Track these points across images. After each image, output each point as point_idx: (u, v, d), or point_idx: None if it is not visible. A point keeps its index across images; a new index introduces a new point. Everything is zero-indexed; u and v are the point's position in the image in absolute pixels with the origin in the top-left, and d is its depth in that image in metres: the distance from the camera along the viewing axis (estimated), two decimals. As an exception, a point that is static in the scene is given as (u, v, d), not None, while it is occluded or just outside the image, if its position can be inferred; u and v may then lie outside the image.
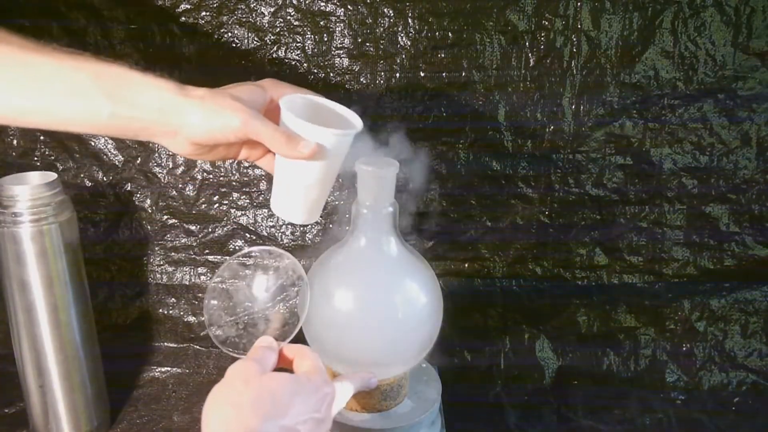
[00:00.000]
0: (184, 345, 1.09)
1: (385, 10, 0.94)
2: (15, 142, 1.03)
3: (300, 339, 0.60)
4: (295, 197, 0.54)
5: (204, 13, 0.96)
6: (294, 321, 0.56)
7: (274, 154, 0.56)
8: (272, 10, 0.96)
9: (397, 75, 0.97)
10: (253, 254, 0.58)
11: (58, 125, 0.51)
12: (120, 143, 1.03)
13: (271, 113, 0.54)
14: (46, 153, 1.03)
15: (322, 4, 0.95)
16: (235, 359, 0.51)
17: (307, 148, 0.50)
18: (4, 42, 0.48)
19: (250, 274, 0.58)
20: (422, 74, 0.96)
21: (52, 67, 0.48)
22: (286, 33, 0.97)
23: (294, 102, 0.53)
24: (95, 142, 1.03)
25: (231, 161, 1.03)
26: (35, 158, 1.04)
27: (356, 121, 0.54)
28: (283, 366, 0.54)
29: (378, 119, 0.99)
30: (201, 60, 0.98)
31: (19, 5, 0.97)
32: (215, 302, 0.58)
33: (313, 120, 0.51)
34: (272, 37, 0.97)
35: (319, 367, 0.52)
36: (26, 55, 0.48)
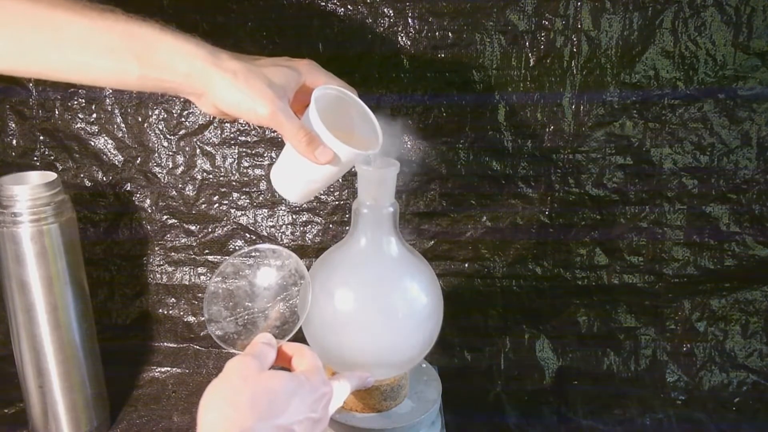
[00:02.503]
0: (184, 345, 1.09)
1: (385, 10, 0.94)
2: (15, 142, 1.03)
3: (300, 339, 0.60)
4: (295, 182, 0.55)
5: (204, 13, 0.96)
6: (294, 320, 0.56)
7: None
8: (272, 10, 0.96)
9: (397, 75, 0.97)
10: (256, 252, 0.58)
11: (88, 82, 0.52)
12: (120, 143, 1.03)
13: (302, 95, 0.54)
14: (46, 153, 1.03)
15: (322, 4, 0.95)
16: (231, 354, 0.51)
17: (323, 156, 0.51)
18: (33, 2, 0.48)
19: (252, 272, 0.58)
20: (422, 74, 0.96)
21: (83, 26, 0.48)
22: (286, 33, 0.97)
23: (326, 96, 0.53)
24: (95, 142, 1.03)
25: (231, 161, 1.03)
26: (35, 158, 1.04)
27: (377, 137, 0.54)
28: (282, 364, 0.54)
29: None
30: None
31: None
32: (216, 299, 0.58)
33: (340, 117, 0.51)
34: (272, 37, 0.97)
35: (318, 367, 0.52)
36: (55, 14, 0.48)
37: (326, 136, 0.50)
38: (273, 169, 0.57)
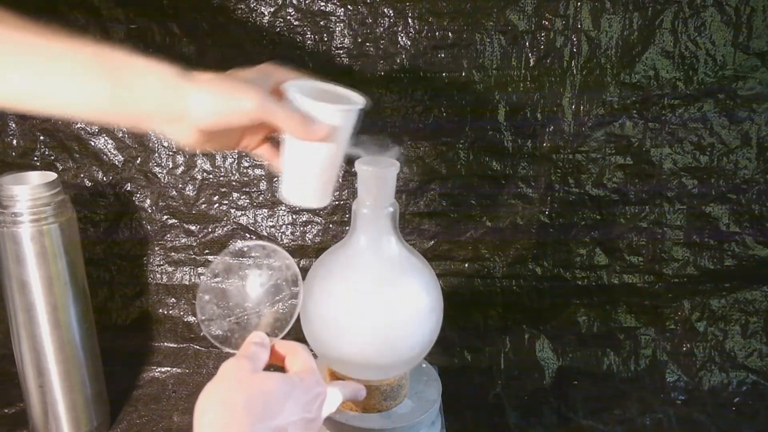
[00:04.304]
0: (184, 345, 1.10)
1: (385, 10, 0.94)
2: (15, 142, 1.03)
3: (300, 339, 0.60)
4: (309, 181, 0.54)
5: (204, 13, 0.96)
6: (287, 317, 0.56)
7: (271, 142, 0.56)
8: (272, 10, 0.96)
9: (398, 75, 0.97)
10: (246, 249, 0.58)
11: (58, 109, 0.49)
12: (120, 143, 1.03)
13: (274, 95, 0.53)
14: (46, 153, 1.03)
15: (322, 4, 0.95)
16: (228, 355, 0.51)
17: (321, 129, 0.50)
18: (2, 22, 0.47)
19: (243, 270, 0.58)
20: (422, 74, 0.96)
21: (53, 48, 0.47)
22: (286, 33, 0.97)
23: (299, 86, 0.52)
24: (95, 142, 1.03)
25: (231, 161, 1.03)
26: (35, 158, 1.04)
27: (358, 98, 0.54)
28: (275, 362, 0.54)
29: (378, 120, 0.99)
30: (201, 60, 0.98)
31: (18, 5, 0.97)
32: (207, 297, 0.57)
33: (316, 92, 0.51)
34: (272, 37, 0.97)
35: (312, 366, 0.52)
36: (25, 36, 0.47)
37: (315, 107, 0.50)
38: (283, 188, 0.56)
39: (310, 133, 0.50)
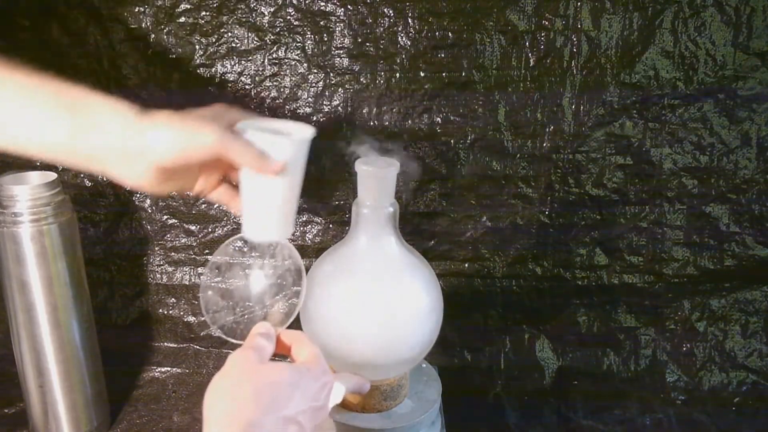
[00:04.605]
0: (184, 345, 1.10)
1: (385, 10, 0.94)
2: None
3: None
4: (270, 214, 0.54)
5: (204, 13, 0.96)
6: (292, 307, 0.56)
7: (228, 184, 0.56)
8: (272, 10, 0.96)
9: (397, 75, 0.97)
10: (247, 239, 0.58)
11: (13, 142, 0.48)
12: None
13: None
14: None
15: (322, 4, 0.95)
16: (233, 348, 0.51)
17: (278, 163, 0.50)
18: None
19: (247, 261, 0.58)
20: (422, 74, 0.96)
21: (13, 81, 0.47)
22: (286, 33, 0.97)
23: (251, 125, 0.53)
24: (95, 142, 1.03)
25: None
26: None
27: (308, 129, 0.55)
28: (281, 353, 0.54)
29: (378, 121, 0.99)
30: (199, 63, 0.98)
31: (19, 4, 0.97)
32: (211, 289, 0.57)
33: (268, 127, 0.52)
34: (272, 37, 0.97)
35: (318, 355, 0.52)
36: None
37: (269, 140, 0.50)
38: (245, 226, 0.56)
39: (268, 167, 0.50)
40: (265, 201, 0.53)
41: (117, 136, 0.48)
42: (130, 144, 0.48)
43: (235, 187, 0.55)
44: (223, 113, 0.53)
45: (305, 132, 0.54)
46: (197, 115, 0.51)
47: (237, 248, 0.59)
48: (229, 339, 0.54)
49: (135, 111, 0.49)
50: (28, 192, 0.76)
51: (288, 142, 0.51)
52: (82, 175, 1.04)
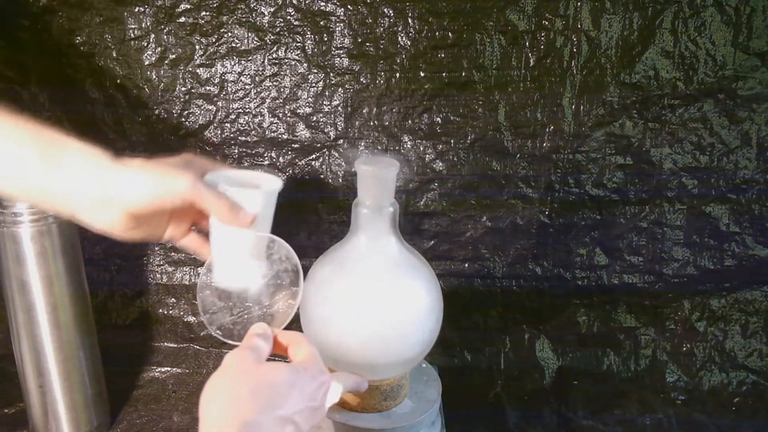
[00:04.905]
0: (184, 345, 1.09)
1: (385, 10, 0.94)
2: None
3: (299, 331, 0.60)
4: (240, 262, 0.55)
5: (204, 13, 0.97)
6: (288, 308, 0.56)
7: (197, 231, 0.56)
8: (272, 10, 0.96)
9: (397, 75, 0.97)
10: None
11: None
12: (120, 143, 1.03)
13: None
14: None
15: (322, 4, 0.95)
16: (232, 347, 0.51)
17: (248, 215, 0.51)
18: None
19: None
20: (422, 74, 0.96)
21: None
22: (286, 33, 0.97)
23: (220, 176, 0.54)
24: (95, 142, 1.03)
25: (230, 162, 1.03)
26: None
27: (275, 179, 0.56)
28: (278, 353, 0.54)
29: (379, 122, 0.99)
30: (199, 63, 0.98)
31: (20, 4, 0.97)
32: (209, 289, 0.57)
33: (236, 179, 0.53)
34: (272, 37, 0.97)
35: (315, 355, 0.52)
36: None
37: (239, 193, 0.52)
38: (216, 275, 0.57)
39: (239, 219, 0.51)
40: (235, 249, 0.54)
41: (90, 181, 0.48)
42: (103, 189, 0.48)
43: (204, 234, 0.56)
44: (193, 162, 0.53)
45: (273, 183, 0.55)
46: (169, 162, 0.51)
47: None
48: (227, 340, 0.54)
49: (108, 156, 0.49)
50: (28, 192, 0.76)
51: (258, 194, 0.52)
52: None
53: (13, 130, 0.48)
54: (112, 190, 0.48)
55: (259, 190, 0.52)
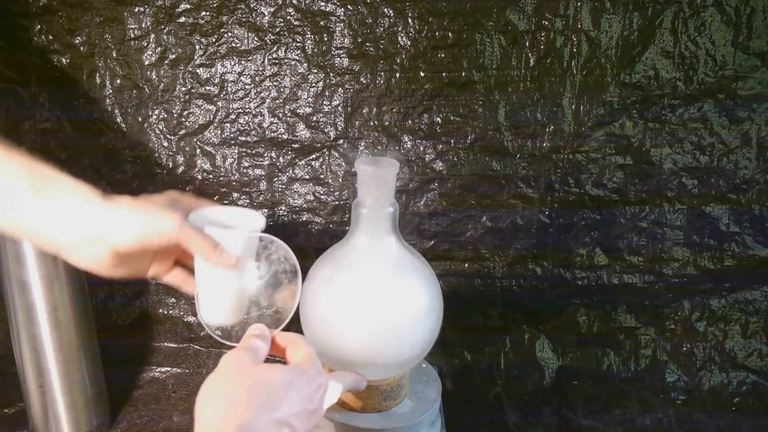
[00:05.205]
0: (184, 345, 1.09)
1: (385, 10, 0.94)
2: (15, 142, 1.03)
3: (297, 332, 0.60)
4: (225, 300, 0.55)
5: (204, 13, 0.97)
6: (287, 308, 0.56)
7: (181, 267, 0.57)
8: (272, 10, 0.96)
9: (397, 75, 0.97)
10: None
11: None
12: (120, 143, 1.03)
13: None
14: (47, 153, 1.03)
15: (322, 4, 0.95)
16: (228, 347, 0.51)
17: (231, 256, 0.52)
18: None
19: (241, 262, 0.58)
20: (422, 74, 0.96)
21: None
22: (286, 33, 0.97)
23: (204, 216, 0.55)
24: (95, 142, 1.03)
25: (231, 161, 1.03)
26: (35, 158, 1.03)
27: (259, 216, 0.56)
28: (276, 354, 0.54)
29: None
30: (199, 63, 0.98)
31: (20, 4, 0.97)
32: None
33: (219, 219, 0.54)
34: (272, 37, 0.97)
35: (312, 356, 0.52)
36: None
37: (223, 234, 0.52)
38: (201, 313, 0.57)
39: (223, 260, 0.52)
40: (220, 288, 0.55)
41: (80, 218, 0.48)
42: (92, 227, 0.48)
43: (188, 269, 0.57)
44: (179, 200, 0.54)
45: (257, 222, 0.55)
46: (155, 201, 0.52)
47: None
48: (225, 341, 0.54)
49: (99, 194, 0.49)
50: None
51: (242, 235, 0.53)
52: (82, 175, 1.04)
53: (8, 162, 0.48)
54: (100, 229, 0.49)
55: (242, 230, 0.53)
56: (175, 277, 0.58)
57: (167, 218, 0.49)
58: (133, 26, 0.97)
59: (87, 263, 0.50)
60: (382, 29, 0.95)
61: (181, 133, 1.02)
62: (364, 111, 0.99)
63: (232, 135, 1.02)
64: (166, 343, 1.10)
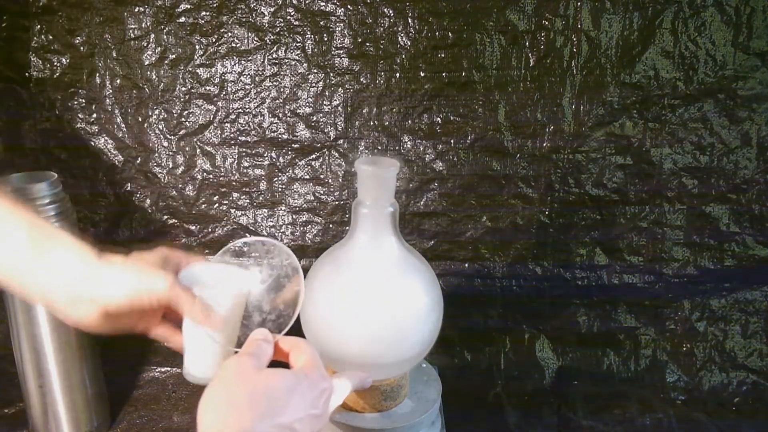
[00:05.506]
0: (184, 345, 1.09)
1: (385, 10, 0.94)
2: (16, 142, 1.03)
3: (299, 335, 0.60)
4: (212, 356, 0.56)
5: (204, 13, 0.97)
6: (289, 313, 0.56)
7: (168, 321, 0.57)
8: (272, 10, 0.96)
9: (397, 75, 0.97)
10: (246, 245, 0.58)
11: None
12: (120, 143, 1.03)
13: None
14: (47, 153, 1.03)
15: (322, 4, 0.95)
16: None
17: (219, 317, 0.52)
18: None
19: (244, 266, 0.58)
20: (422, 74, 0.96)
21: None
22: (286, 33, 0.97)
23: (193, 273, 0.55)
24: (95, 142, 1.03)
25: (231, 161, 1.03)
26: (36, 158, 1.04)
27: (248, 274, 0.57)
28: (279, 359, 0.53)
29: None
30: (199, 63, 0.98)
31: (20, 4, 0.97)
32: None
33: (208, 279, 0.54)
34: (272, 37, 0.97)
35: (316, 361, 0.52)
36: None
37: (211, 296, 0.53)
38: (187, 369, 0.57)
39: (210, 321, 0.52)
40: (207, 345, 0.55)
41: (75, 277, 0.49)
42: (85, 287, 0.49)
43: (175, 323, 0.57)
44: (169, 258, 0.55)
45: (245, 282, 0.56)
46: (147, 260, 0.53)
47: (233, 254, 0.59)
48: (228, 347, 0.54)
49: (95, 253, 0.50)
50: (28, 192, 0.76)
51: (229, 297, 0.54)
52: (82, 175, 1.04)
53: (10, 215, 0.50)
54: (93, 288, 0.49)
55: (230, 292, 0.54)
56: (162, 331, 0.59)
57: (158, 279, 0.50)
58: (133, 26, 0.98)
59: (76, 319, 0.51)
60: (382, 29, 0.95)
61: (181, 133, 1.02)
62: (364, 111, 0.99)
63: (232, 135, 1.02)
64: (166, 343, 1.10)
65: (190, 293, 0.52)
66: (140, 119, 1.02)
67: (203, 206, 1.05)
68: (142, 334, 0.58)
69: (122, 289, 0.49)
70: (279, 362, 0.52)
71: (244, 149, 1.02)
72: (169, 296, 0.50)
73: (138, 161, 1.03)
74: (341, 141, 1.01)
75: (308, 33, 0.96)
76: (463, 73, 0.96)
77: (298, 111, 1.00)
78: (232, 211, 1.05)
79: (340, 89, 0.98)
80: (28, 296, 0.51)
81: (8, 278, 0.50)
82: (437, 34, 0.94)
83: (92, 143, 1.03)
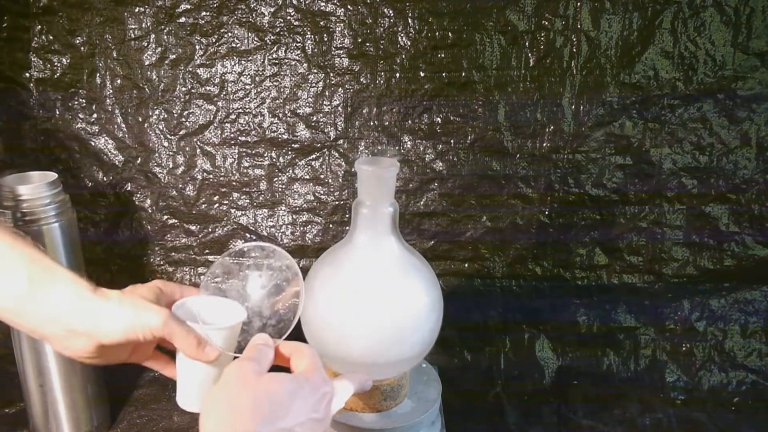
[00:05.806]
0: (184, 345, 1.09)
1: (385, 10, 0.94)
2: (15, 142, 1.03)
3: (300, 339, 0.60)
4: (205, 388, 0.56)
5: (204, 13, 0.97)
6: (290, 317, 0.56)
7: (161, 352, 0.58)
8: (272, 10, 0.96)
9: (397, 75, 0.97)
10: (245, 250, 0.58)
11: None
12: (120, 143, 1.03)
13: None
14: (47, 153, 1.03)
15: (322, 4, 0.95)
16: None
17: (213, 351, 0.53)
18: None
19: (244, 271, 0.58)
20: (422, 74, 0.96)
21: None
22: (286, 33, 0.97)
23: (186, 308, 0.56)
24: (95, 142, 1.03)
25: (231, 161, 1.03)
26: (35, 158, 1.04)
27: (239, 307, 0.57)
28: (280, 364, 0.53)
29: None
30: (199, 63, 0.98)
31: (20, 4, 0.97)
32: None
33: (202, 313, 0.55)
34: (272, 37, 0.97)
35: (317, 365, 0.52)
36: None
37: (204, 331, 0.53)
38: (180, 398, 0.58)
39: (203, 356, 0.53)
40: (200, 377, 0.56)
41: (71, 312, 0.50)
42: (81, 322, 0.50)
43: (169, 353, 0.58)
44: (163, 291, 0.56)
45: (237, 316, 0.56)
46: (141, 294, 0.53)
47: (233, 259, 0.59)
48: (228, 352, 0.54)
49: (91, 288, 0.51)
50: (28, 192, 0.76)
51: (223, 331, 0.54)
52: (82, 175, 1.04)
53: (10, 249, 0.50)
54: (89, 323, 0.50)
55: (224, 326, 0.54)
56: (156, 361, 0.61)
57: (153, 314, 0.51)
58: (133, 26, 0.98)
59: (71, 352, 0.51)
60: (382, 29, 0.95)
61: (181, 133, 1.02)
62: (364, 111, 0.99)
63: (232, 135, 1.02)
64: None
65: (185, 327, 0.52)
66: (140, 119, 1.02)
67: (203, 206, 1.05)
68: (135, 364, 0.59)
69: (118, 323, 0.50)
70: (280, 367, 0.52)
71: (244, 149, 1.02)
72: (163, 331, 0.51)
73: (138, 161, 1.04)
74: (341, 141, 1.01)
75: (308, 33, 0.96)
76: (463, 73, 0.96)
77: (298, 111, 1.00)
78: (233, 211, 1.05)
79: (340, 89, 0.98)
80: (24, 329, 0.51)
81: (5, 312, 0.50)
82: (437, 34, 0.94)
83: (92, 143, 1.03)
